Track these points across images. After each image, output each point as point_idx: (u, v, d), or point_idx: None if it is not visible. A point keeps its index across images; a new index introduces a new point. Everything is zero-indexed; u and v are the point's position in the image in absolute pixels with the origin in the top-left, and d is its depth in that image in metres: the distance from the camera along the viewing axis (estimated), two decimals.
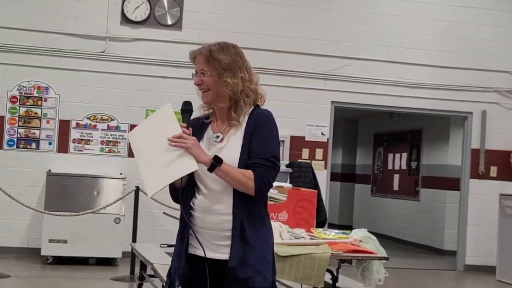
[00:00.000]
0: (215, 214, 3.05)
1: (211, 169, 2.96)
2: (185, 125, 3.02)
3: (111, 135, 10.04)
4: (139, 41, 10.13)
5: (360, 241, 4.89)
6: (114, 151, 10.04)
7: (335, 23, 10.71)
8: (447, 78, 10.91)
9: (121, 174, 9.77)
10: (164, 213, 7.73)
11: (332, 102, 10.73)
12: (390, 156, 15.87)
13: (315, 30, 10.56)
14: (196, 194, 3.10)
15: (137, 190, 8.90)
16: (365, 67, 10.74)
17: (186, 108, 3.12)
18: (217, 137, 3.13)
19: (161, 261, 6.18)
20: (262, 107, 3.21)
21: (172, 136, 2.94)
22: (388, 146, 16.06)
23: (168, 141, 2.94)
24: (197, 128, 3.17)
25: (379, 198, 16.18)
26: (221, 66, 3.10)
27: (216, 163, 2.95)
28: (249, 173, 3.00)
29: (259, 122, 3.09)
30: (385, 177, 16.00)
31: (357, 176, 17.79)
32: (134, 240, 8.68)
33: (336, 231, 5.37)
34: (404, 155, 15.02)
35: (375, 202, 16.38)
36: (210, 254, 3.04)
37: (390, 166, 15.81)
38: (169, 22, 10.22)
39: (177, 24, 10.24)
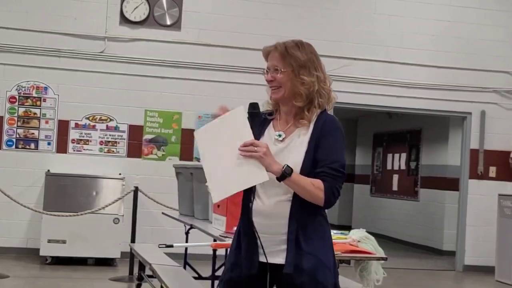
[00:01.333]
0: (273, 218, 2.98)
1: (281, 178, 2.86)
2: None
3: (110, 135, 10.03)
4: (138, 41, 10.13)
5: (359, 241, 4.88)
6: (113, 151, 10.04)
7: (334, 23, 10.71)
8: (446, 78, 10.91)
9: (120, 174, 9.77)
10: (163, 213, 7.72)
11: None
12: (389, 156, 15.87)
13: (314, 30, 10.55)
14: (255, 197, 3.01)
15: (136, 190, 8.89)
16: (364, 68, 10.74)
17: (254, 111, 2.99)
18: (279, 135, 3.04)
19: (159, 261, 6.18)
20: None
21: (244, 143, 2.82)
22: (387, 146, 16.06)
23: (239, 150, 2.81)
24: (259, 123, 3.06)
25: (378, 198, 16.19)
26: (297, 63, 3.04)
27: (286, 173, 2.85)
28: (319, 183, 2.91)
29: (328, 128, 3.00)
30: (384, 177, 16.00)
31: (356, 176, 17.79)
32: (133, 240, 8.67)
33: (335, 231, 5.36)
34: (403, 155, 15.02)
35: (375, 202, 16.38)
36: (271, 259, 2.99)
37: (389, 166, 15.81)
38: (168, 22, 10.21)
39: (176, 24, 10.23)
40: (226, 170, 2.83)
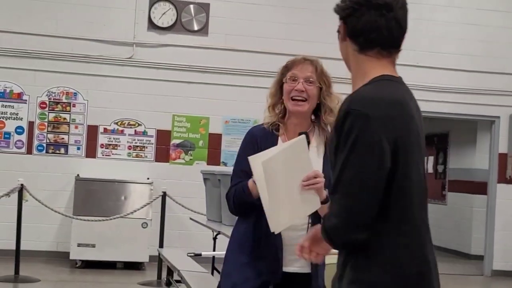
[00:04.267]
0: (293, 229, 3.09)
1: (324, 203, 2.91)
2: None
3: (138, 140, 10.13)
4: (166, 46, 10.21)
5: None
6: (141, 156, 10.13)
7: None
8: (474, 82, 10.85)
9: (148, 179, 9.85)
10: (190, 218, 7.78)
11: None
12: None
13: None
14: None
15: (164, 195, 8.97)
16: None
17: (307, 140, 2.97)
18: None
19: (187, 267, 6.25)
20: None
21: (307, 176, 2.80)
22: None
23: (302, 182, 2.78)
24: (267, 138, 3.17)
25: None
26: (329, 81, 3.22)
27: (329, 198, 2.97)
28: None
29: None
30: None
31: None
32: (161, 245, 8.75)
33: None
34: (431, 158, 14.94)
35: None
36: (287, 269, 3.19)
37: None
38: (196, 28, 10.29)
39: (203, 30, 10.30)
40: (287, 200, 2.78)
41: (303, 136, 2.85)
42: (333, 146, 2.22)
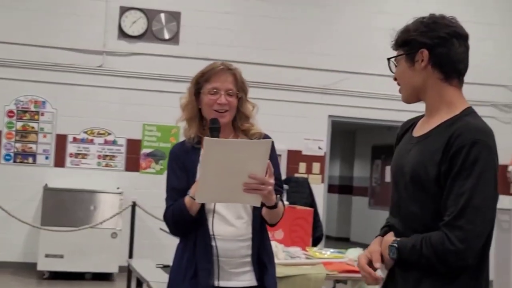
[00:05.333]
0: (238, 240, 3.03)
1: (272, 208, 2.93)
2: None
3: (108, 149, 10.03)
4: (136, 55, 10.15)
5: (355, 260, 4.88)
6: (111, 165, 10.03)
7: (333, 37, 10.73)
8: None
9: (118, 188, 9.75)
10: (160, 229, 7.71)
11: (330, 116, 10.74)
12: (388, 168, 15.86)
13: (313, 44, 10.58)
14: (212, 222, 3.01)
15: (134, 205, 8.89)
16: (363, 81, 10.75)
17: (216, 126, 3.03)
18: None
19: (157, 278, 6.16)
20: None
21: (254, 177, 2.76)
22: (386, 158, 16.05)
23: (246, 183, 2.76)
24: (188, 152, 3.11)
25: (377, 211, 16.16)
26: (247, 88, 3.17)
27: (277, 203, 2.94)
28: (281, 204, 3.04)
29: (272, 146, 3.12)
30: (383, 190, 15.99)
31: (354, 188, 17.77)
32: (130, 255, 8.66)
33: (332, 250, 5.37)
34: None
35: (373, 215, 16.35)
36: (227, 283, 3.03)
37: (387, 179, 15.79)
38: (166, 37, 10.23)
39: (174, 39, 10.25)
40: (223, 182, 2.79)
41: (271, 140, 2.84)
42: (444, 169, 2.29)
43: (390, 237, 2.45)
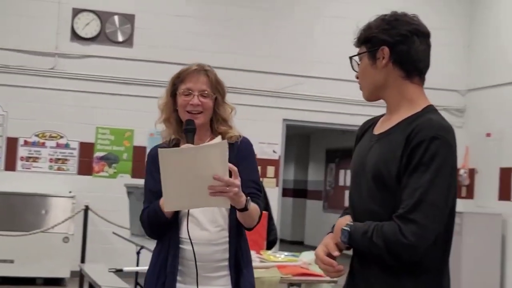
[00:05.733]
0: (212, 245, 3.01)
1: (242, 210, 2.89)
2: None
3: (60, 152, 9.90)
4: (90, 58, 10.03)
5: (309, 264, 4.89)
6: (63, 169, 9.90)
7: (287, 41, 10.76)
8: None
9: (70, 192, 9.62)
10: (113, 233, 7.64)
11: (284, 119, 10.76)
12: (342, 172, 15.97)
13: (267, 48, 10.60)
14: (188, 226, 2.99)
15: (86, 209, 8.79)
16: (317, 85, 10.80)
17: (191, 127, 3.01)
18: None
19: (109, 283, 6.11)
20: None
21: (219, 178, 2.70)
22: (340, 162, 16.16)
23: (210, 186, 2.71)
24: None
25: (331, 214, 16.25)
26: (223, 90, 3.13)
27: (247, 206, 2.89)
28: (257, 208, 3.01)
29: (248, 150, 3.16)
30: (337, 193, 16.09)
31: (309, 192, 17.86)
32: (83, 260, 8.57)
33: (286, 253, 5.37)
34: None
35: (327, 218, 16.44)
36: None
37: (341, 182, 15.91)
38: (120, 39, 10.14)
39: (128, 41, 10.17)
40: (187, 190, 2.76)
41: (225, 141, 2.81)
42: (403, 163, 2.28)
43: (345, 220, 2.45)
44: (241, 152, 3.10)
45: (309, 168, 18.09)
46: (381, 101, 2.70)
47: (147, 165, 3.20)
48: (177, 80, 3.13)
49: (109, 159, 10.05)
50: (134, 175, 10.01)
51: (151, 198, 3.08)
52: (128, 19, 10.16)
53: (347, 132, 15.17)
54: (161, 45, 10.20)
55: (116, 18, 10.12)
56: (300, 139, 17.59)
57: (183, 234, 2.99)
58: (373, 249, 2.27)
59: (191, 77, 3.09)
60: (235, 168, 2.79)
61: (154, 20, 10.28)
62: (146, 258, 6.80)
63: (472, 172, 11.00)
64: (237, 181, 2.77)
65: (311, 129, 15.48)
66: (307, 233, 17.49)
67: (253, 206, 2.94)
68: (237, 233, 3.03)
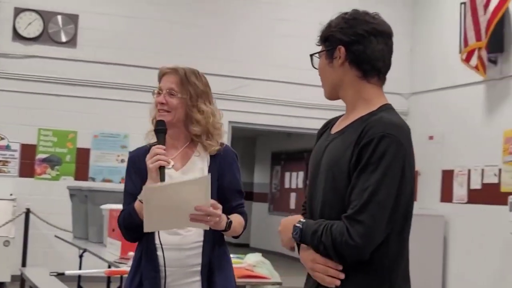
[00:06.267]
0: (183, 250, 2.98)
1: (224, 231, 2.94)
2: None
3: (0, 154, 9.70)
4: (32, 58, 9.85)
5: (254, 266, 4.88)
6: (4, 171, 9.70)
7: (233, 43, 10.75)
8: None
9: (11, 195, 9.43)
10: (55, 236, 7.51)
11: (230, 122, 10.74)
12: (287, 174, 16.04)
13: (213, 50, 10.57)
14: (158, 231, 2.97)
15: (28, 211, 8.63)
16: (263, 87, 10.82)
17: (161, 128, 3.00)
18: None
19: (50, 287, 6.01)
20: None
21: (200, 209, 2.75)
22: (285, 165, 16.23)
23: (192, 214, 2.75)
24: (145, 156, 2.99)
25: (277, 216, 16.30)
26: (195, 91, 3.09)
27: (229, 227, 2.93)
28: (241, 220, 3.06)
29: (230, 160, 3.14)
30: (283, 196, 16.15)
31: (255, 195, 17.89)
32: (24, 263, 8.42)
33: (231, 255, 5.34)
34: (301, 174, 15.21)
35: (273, 220, 16.49)
36: None
37: (287, 185, 15.98)
38: (64, 39, 9.99)
39: (72, 42, 10.02)
40: (169, 216, 2.80)
41: (208, 175, 2.82)
42: (352, 162, 2.27)
43: (299, 217, 2.44)
44: (224, 160, 3.12)
45: (255, 170, 18.12)
46: (330, 103, 2.71)
47: (127, 168, 3.18)
48: (158, 80, 3.17)
49: (52, 161, 9.88)
50: (77, 177, 9.87)
51: (130, 201, 3.06)
52: (72, 19, 10.02)
53: (292, 135, 15.27)
54: (105, 46, 10.08)
55: (59, 18, 9.96)
56: (246, 141, 17.61)
57: (157, 239, 2.98)
58: (321, 248, 2.27)
59: (163, 77, 3.13)
60: (217, 203, 2.83)
61: (99, 20, 10.15)
62: (89, 260, 6.72)
63: (415, 174, 11.16)
64: (218, 211, 2.81)
65: (257, 131, 15.51)
66: (252, 236, 17.51)
67: (235, 224, 2.98)
68: (213, 237, 3.01)
